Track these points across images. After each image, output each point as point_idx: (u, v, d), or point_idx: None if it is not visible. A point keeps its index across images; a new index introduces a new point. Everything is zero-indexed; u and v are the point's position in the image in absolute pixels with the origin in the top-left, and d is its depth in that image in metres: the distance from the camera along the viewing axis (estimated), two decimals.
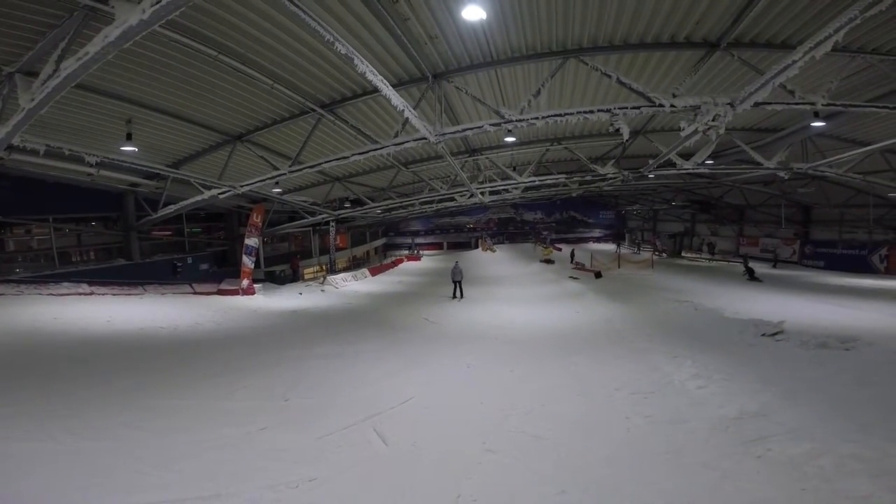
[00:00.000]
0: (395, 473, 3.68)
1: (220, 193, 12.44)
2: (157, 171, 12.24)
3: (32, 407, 4.80)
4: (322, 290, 18.23)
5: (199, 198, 12.86)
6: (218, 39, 6.96)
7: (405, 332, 10.15)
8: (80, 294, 12.04)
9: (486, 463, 3.83)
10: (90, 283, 12.69)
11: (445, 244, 44.64)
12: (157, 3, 3.92)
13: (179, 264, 16.51)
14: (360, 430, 4.52)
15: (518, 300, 15.07)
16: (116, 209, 15.10)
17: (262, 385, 6.01)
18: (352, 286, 20.54)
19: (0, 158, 9.90)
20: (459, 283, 16.35)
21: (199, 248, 18.81)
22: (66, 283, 12.15)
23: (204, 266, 17.98)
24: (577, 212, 45.79)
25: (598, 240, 44.32)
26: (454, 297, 16.06)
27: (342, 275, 22.18)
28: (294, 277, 20.77)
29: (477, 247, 42.41)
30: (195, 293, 15.20)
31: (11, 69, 6.70)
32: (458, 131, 8.49)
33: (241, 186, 12.02)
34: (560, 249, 35.19)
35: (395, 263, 32.87)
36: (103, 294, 12.57)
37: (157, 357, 7.37)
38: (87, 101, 8.62)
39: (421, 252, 40.90)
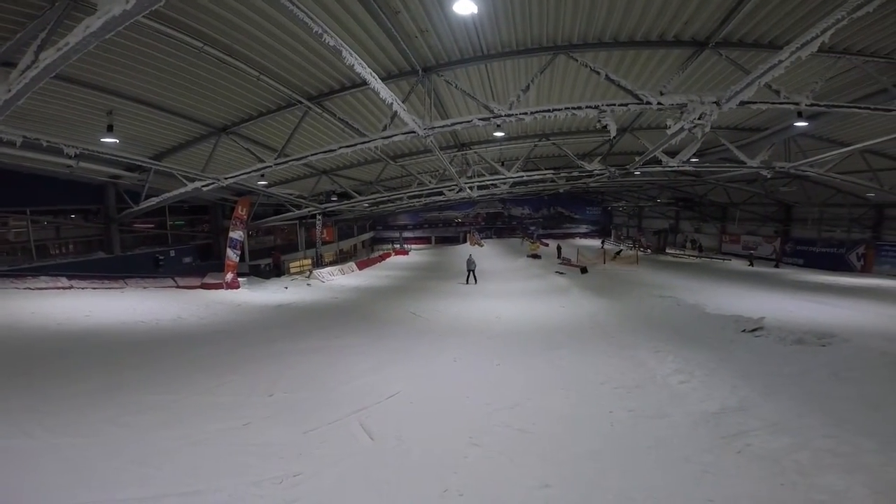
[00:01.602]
0: (381, 468, 3.67)
1: (203, 186, 12.22)
2: (139, 163, 11.97)
3: (9, 404, 4.69)
4: (308, 284, 18.08)
5: (182, 190, 12.61)
6: (203, 30, 6.80)
7: (392, 326, 10.11)
8: (59, 288, 11.75)
9: (471, 457, 3.84)
10: (69, 277, 12.38)
11: (433, 238, 44.54)
12: None
13: (162, 258, 16.20)
14: (346, 425, 4.50)
15: (505, 295, 15.13)
16: (97, 201, 14.71)
17: (246, 380, 5.94)
18: (338, 280, 20.41)
19: None
20: (473, 271, 19.25)
21: (183, 242, 18.45)
22: (44, 277, 11.83)
23: (187, 259, 17.67)
24: (564, 208, 46.08)
25: (584, 235, 44.70)
26: (467, 282, 18.79)
27: (329, 269, 22.01)
28: (277, 272, 20.53)
29: (465, 241, 42.43)
30: (178, 287, 14.95)
31: None
32: (447, 125, 8.45)
33: (226, 179, 11.82)
34: (547, 245, 35.41)
35: (382, 258, 32.73)
36: (83, 288, 12.29)
37: (139, 352, 7.23)
38: (67, 92, 8.36)
39: (408, 246, 40.78)
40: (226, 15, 6.44)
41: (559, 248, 29.80)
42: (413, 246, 41.78)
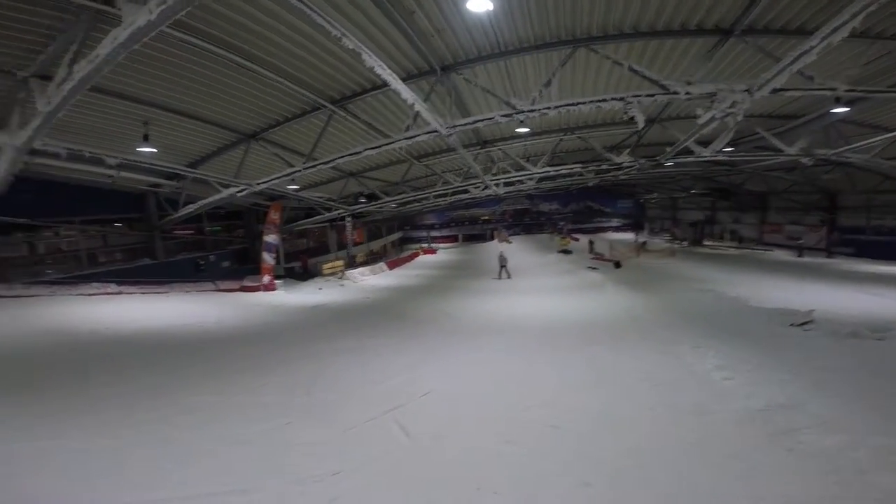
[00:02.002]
0: (417, 466, 3.70)
1: (237, 192, 12.64)
2: (176, 171, 12.50)
3: (61, 405, 4.96)
4: (341, 285, 18.43)
5: (217, 196, 13.09)
6: (227, 39, 7.03)
7: (424, 325, 10.18)
8: (109, 294, 12.41)
9: (506, 455, 3.83)
10: (118, 283, 13.06)
11: (461, 237, 44.55)
12: (164, 3, 3.95)
13: (202, 262, 16.87)
14: (382, 424, 4.56)
15: (536, 291, 14.97)
16: (139, 210, 15.47)
17: (286, 380, 6.10)
18: (370, 280, 20.71)
19: (24, 163, 10.10)
20: (505, 266, 19.80)
21: (221, 247, 19.16)
22: (94, 284, 12.53)
23: (226, 264, 18.33)
24: (594, 201, 45.13)
25: (616, 229, 43.67)
26: (500, 277, 19.28)
27: (360, 269, 22.36)
28: (307, 275, 20.98)
29: (493, 238, 42.23)
30: (218, 290, 15.53)
31: (26, 73, 6.85)
32: (469, 123, 8.44)
33: (258, 184, 12.19)
34: (577, 240, 34.79)
35: (411, 257, 32.98)
36: (131, 293, 12.93)
37: (183, 354, 7.55)
38: (104, 104, 8.79)
39: (436, 245, 40.88)
40: (247, 23, 6.64)
41: (591, 243, 29.23)
42: (441, 245, 41.89)
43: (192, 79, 8.28)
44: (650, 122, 12.78)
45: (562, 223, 43.71)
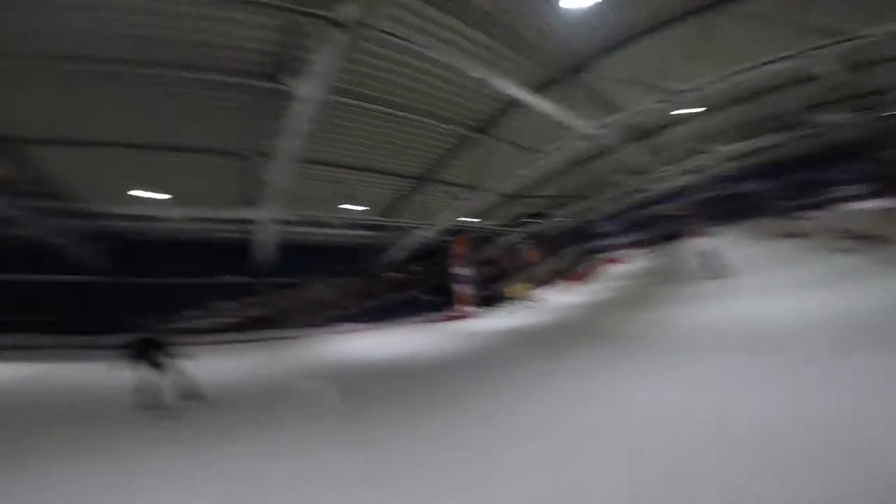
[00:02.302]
0: (646, 485, 3.52)
1: (427, 233, 14.38)
2: (377, 223, 14.96)
3: (317, 429, 6.11)
4: (530, 307, 18.82)
5: (411, 239, 15.17)
6: (376, 95, 8.26)
7: (622, 340, 9.51)
8: (350, 332, 15.53)
9: (761, 481, 3.26)
10: (355, 323, 16.28)
11: (647, 239, 40.58)
12: (319, 73, 4.84)
13: (411, 299, 19.61)
14: (592, 443, 4.42)
15: (762, 290, 12.44)
16: (358, 260, 19.01)
17: (491, 406, 6.32)
18: (557, 299, 20.59)
19: (277, 232, 13.10)
20: (711, 264, 17.04)
21: (423, 283, 21.99)
22: (340, 325, 15.97)
23: (429, 298, 20.85)
24: (809, 171, 35.80)
25: (855, 199, 33.71)
26: (707, 279, 16.67)
27: (545, 288, 22.45)
28: (496, 299, 21.99)
29: (685, 236, 37.21)
30: (427, 322, 17.71)
31: (247, 152, 8.77)
32: (622, 118, 8.01)
33: (440, 222, 13.63)
34: (801, 220, 28.08)
35: (594, 269, 31.56)
36: (364, 331, 15.89)
37: (408, 381, 8.75)
38: (312, 172, 10.89)
39: (616, 254, 38.09)
40: (389, 77, 7.75)
41: (827, 220, 23.28)
42: (624, 251, 38.89)
43: (368, 137, 9.91)
44: (854, 68, 9.94)
45: (772, 203, 35.93)
